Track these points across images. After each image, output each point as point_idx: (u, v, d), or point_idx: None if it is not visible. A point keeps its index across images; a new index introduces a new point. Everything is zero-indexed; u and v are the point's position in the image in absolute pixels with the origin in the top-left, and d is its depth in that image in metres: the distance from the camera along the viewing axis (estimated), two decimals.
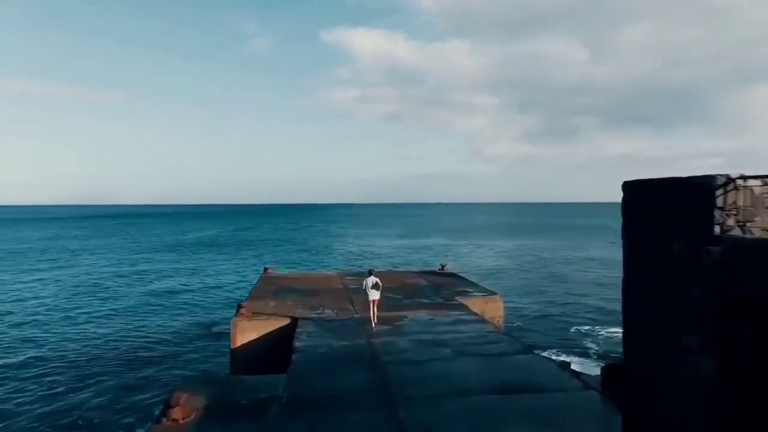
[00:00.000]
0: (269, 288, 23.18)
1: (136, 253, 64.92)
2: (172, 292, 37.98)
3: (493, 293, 21.90)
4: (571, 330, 28.21)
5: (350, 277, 26.25)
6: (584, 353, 24.07)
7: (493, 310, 20.77)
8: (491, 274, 41.67)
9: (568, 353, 23.28)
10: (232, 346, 16.35)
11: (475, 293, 21.92)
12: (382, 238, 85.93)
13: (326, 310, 18.53)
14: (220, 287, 40.45)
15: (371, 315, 16.51)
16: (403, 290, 22.61)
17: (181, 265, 51.99)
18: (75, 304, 34.16)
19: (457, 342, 14.38)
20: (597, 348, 24.98)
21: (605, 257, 54.94)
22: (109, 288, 40.22)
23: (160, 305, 33.89)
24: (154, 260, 57.28)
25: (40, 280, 44.16)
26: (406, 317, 17.72)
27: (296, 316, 17.39)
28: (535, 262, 52.20)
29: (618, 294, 7.67)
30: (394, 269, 38.99)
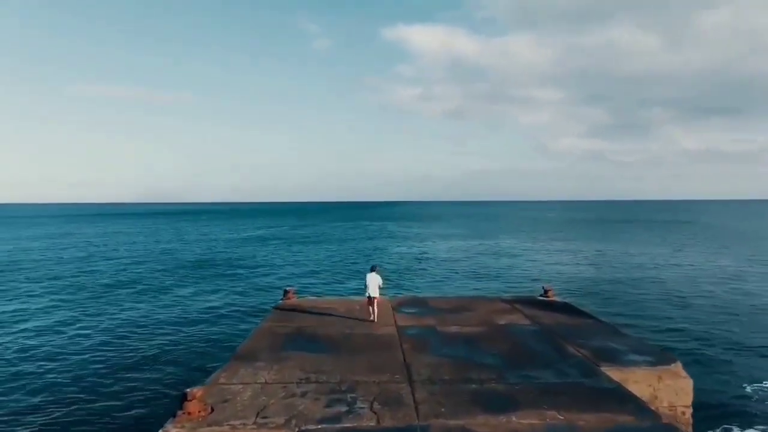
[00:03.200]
0: (278, 330, 14.52)
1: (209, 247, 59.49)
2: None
3: (669, 359, 12.06)
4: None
5: (408, 311, 17.14)
6: None
7: (672, 392, 11.21)
8: (584, 291, 31.24)
9: None
10: None
11: (630, 355, 12.23)
12: (444, 238, 76.38)
13: (359, 405, 9.43)
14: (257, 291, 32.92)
15: (371, 312, 15.68)
16: (497, 343, 13.24)
17: (235, 255, 45.32)
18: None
19: None
20: None
21: (728, 269, 42.91)
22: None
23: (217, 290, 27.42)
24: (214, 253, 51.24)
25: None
26: None
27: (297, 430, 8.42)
28: (634, 273, 40.92)
29: None
30: (473, 294, 28.30)
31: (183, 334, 22.68)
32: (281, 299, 19.32)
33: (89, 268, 43.77)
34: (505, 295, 20.50)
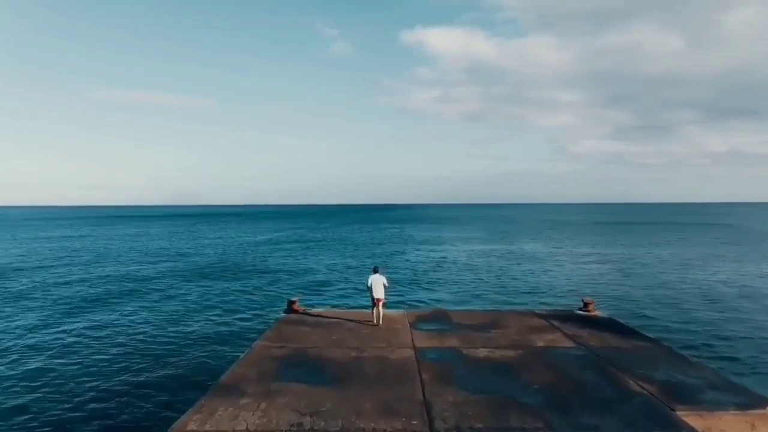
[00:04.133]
0: (273, 352, 12.32)
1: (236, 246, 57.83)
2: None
3: (761, 400, 9.51)
4: None
5: (427, 328, 14.79)
6: None
7: None
8: (622, 303, 28.11)
9: None
10: None
11: (709, 392, 9.71)
12: (463, 242, 73.72)
13: None
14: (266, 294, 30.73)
15: (375, 315, 15.02)
16: (537, 373, 10.81)
17: (251, 260, 43.42)
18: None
19: None
20: None
21: None
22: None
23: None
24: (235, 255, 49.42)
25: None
26: None
27: None
28: (672, 280, 37.82)
29: None
30: (501, 307, 25.53)
31: (164, 352, 19.06)
32: (285, 311, 17.19)
33: (87, 271, 42.37)
34: (539, 309, 18.01)
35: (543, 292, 31.41)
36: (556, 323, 15.40)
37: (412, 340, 13.48)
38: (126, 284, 35.77)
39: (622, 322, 16.10)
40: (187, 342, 20.46)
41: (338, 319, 16.04)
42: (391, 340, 13.47)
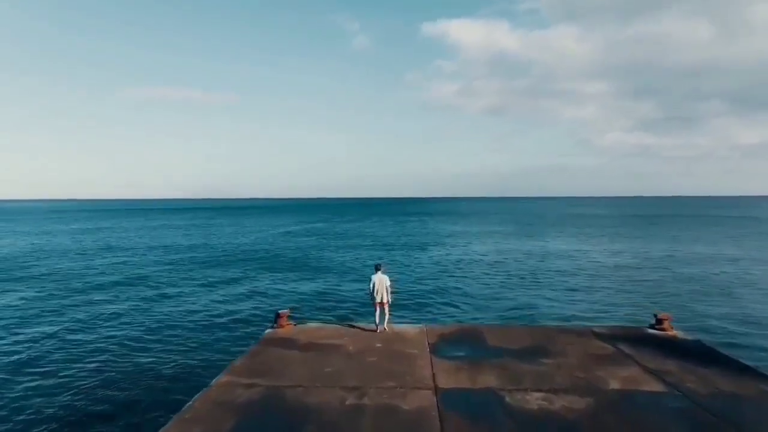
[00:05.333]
0: (236, 395, 8.77)
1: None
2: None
3: None
4: None
5: (453, 355, 11.04)
6: None
7: None
8: (681, 312, 23.64)
9: None
10: None
11: None
12: (489, 236, 69.48)
13: None
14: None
15: (378, 320, 13.02)
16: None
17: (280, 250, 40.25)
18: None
19: None
20: None
21: None
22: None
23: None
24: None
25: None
26: None
27: None
28: (729, 282, 33.20)
29: None
30: (543, 319, 21.25)
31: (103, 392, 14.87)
32: (271, 326, 13.67)
33: (92, 264, 39.75)
34: (597, 326, 14.08)
35: (590, 300, 26.26)
36: (625, 348, 11.52)
37: (433, 376, 9.79)
38: (123, 278, 32.82)
39: (713, 346, 12.13)
40: (149, 363, 17.00)
41: (337, 338, 12.44)
42: (404, 376, 9.81)
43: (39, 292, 29.26)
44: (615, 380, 9.54)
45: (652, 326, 13.33)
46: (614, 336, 12.57)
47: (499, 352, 11.30)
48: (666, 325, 13.14)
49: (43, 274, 35.92)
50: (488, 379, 9.60)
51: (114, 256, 46.66)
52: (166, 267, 39.54)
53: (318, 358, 10.84)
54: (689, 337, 12.74)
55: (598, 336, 12.63)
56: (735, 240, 60.98)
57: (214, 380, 9.63)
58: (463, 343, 12.02)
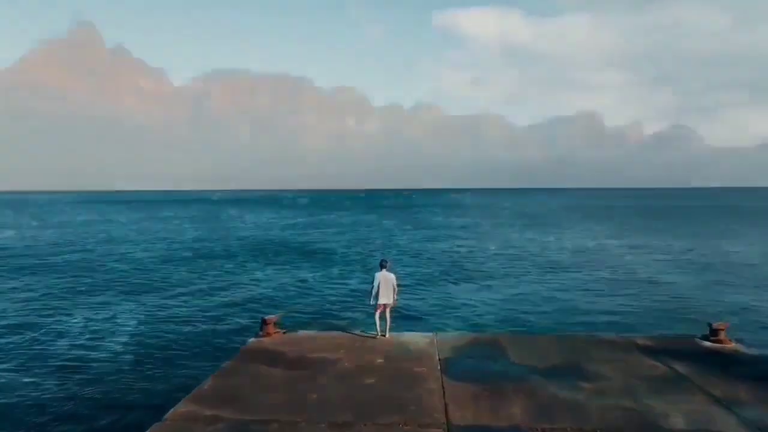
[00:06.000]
0: (199, 427, 6.92)
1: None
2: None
3: None
4: None
5: (469, 376, 9.02)
6: None
7: None
8: (732, 316, 21.00)
9: None
10: None
11: None
12: (507, 228, 67.29)
13: None
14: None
15: (378, 326, 11.28)
16: None
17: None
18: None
19: None
20: None
21: None
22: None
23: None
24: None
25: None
26: None
27: None
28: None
29: None
30: (578, 327, 17.77)
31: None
32: (256, 334, 11.83)
33: (88, 256, 38.41)
34: (640, 336, 11.99)
35: (625, 305, 22.48)
36: (679, 367, 9.46)
37: (445, 407, 7.84)
38: (120, 274, 31.29)
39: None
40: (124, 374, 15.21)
41: (331, 351, 10.55)
42: (407, 404, 7.87)
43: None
44: (677, 414, 7.50)
45: (705, 337, 11.23)
46: (663, 350, 10.50)
47: (524, 371, 9.32)
48: (722, 336, 11.04)
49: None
50: (513, 412, 7.62)
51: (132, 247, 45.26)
52: (152, 259, 37.95)
53: (304, 379, 8.95)
54: (754, 352, 10.62)
55: (643, 349, 10.57)
56: None
57: (171, 410, 7.77)
58: (481, 358, 10.07)
